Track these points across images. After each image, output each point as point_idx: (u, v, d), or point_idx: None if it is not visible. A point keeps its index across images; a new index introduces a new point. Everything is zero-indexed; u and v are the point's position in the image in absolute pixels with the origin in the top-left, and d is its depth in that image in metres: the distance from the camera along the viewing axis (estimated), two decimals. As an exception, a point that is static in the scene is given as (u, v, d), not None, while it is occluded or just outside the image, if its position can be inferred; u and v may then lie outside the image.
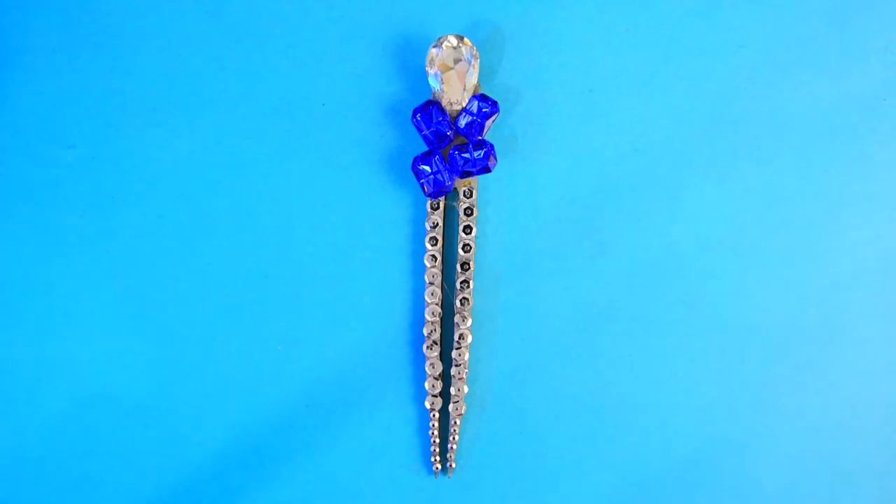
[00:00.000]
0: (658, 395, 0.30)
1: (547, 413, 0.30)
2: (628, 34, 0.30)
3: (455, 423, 0.30)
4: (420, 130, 0.28)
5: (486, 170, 0.28)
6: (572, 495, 0.31)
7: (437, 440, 0.30)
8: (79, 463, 0.31)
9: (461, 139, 0.29)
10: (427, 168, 0.28)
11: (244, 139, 0.30)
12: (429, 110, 0.28)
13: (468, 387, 0.30)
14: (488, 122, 0.28)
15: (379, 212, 0.30)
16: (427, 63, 0.28)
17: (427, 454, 0.30)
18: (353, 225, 0.30)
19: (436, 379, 0.30)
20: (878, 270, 0.30)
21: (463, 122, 0.28)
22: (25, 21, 0.30)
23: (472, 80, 0.29)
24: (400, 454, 0.31)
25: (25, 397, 0.30)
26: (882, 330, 0.30)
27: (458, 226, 0.30)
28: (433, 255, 0.29)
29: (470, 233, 0.29)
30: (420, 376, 0.30)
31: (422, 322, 0.30)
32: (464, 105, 0.29)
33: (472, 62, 0.28)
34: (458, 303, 0.29)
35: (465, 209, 0.29)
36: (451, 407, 0.30)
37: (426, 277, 0.29)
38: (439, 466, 0.30)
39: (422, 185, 0.28)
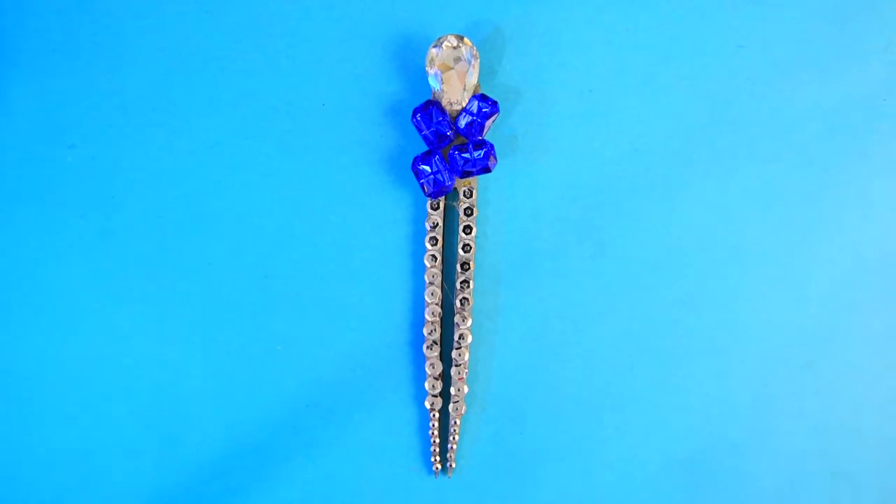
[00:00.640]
0: (658, 395, 0.30)
1: (547, 413, 0.30)
2: (628, 34, 0.30)
3: (455, 423, 0.30)
4: (420, 130, 0.28)
5: (486, 170, 0.28)
6: (572, 495, 0.31)
7: (437, 440, 0.30)
8: (79, 462, 0.31)
9: (461, 139, 0.29)
10: (427, 168, 0.28)
11: (244, 139, 0.30)
12: (429, 110, 0.28)
13: (468, 387, 0.30)
14: (488, 122, 0.28)
15: (379, 212, 0.30)
16: (427, 63, 0.28)
17: (427, 454, 0.30)
18: (353, 225, 0.30)
19: (436, 379, 0.30)
20: (878, 270, 0.30)
21: (463, 122, 0.28)
22: (25, 21, 0.30)
23: (472, 80, 0.29)
24: (400, 454, 0.31)
25: (25, 397, 0.30)
26: (882, 330, 0.30)
27: (458, 226, 0.30)
28: (433, 255, 0.29)
29: (470, 233, 0.29)
30: (420, 376, 0.30)
31: (422, 322, 0.30)
32: (464, 105, 0.29)
33: (472, 62, 0.28)
34: (458, 303, 0.29)
35: (465, 209, 0.29)
36: (451, 407, 0.30)
37: (426, 277, 0.29)
38: (439, 466, 0.30)
39: (422, 185, 0.28)
